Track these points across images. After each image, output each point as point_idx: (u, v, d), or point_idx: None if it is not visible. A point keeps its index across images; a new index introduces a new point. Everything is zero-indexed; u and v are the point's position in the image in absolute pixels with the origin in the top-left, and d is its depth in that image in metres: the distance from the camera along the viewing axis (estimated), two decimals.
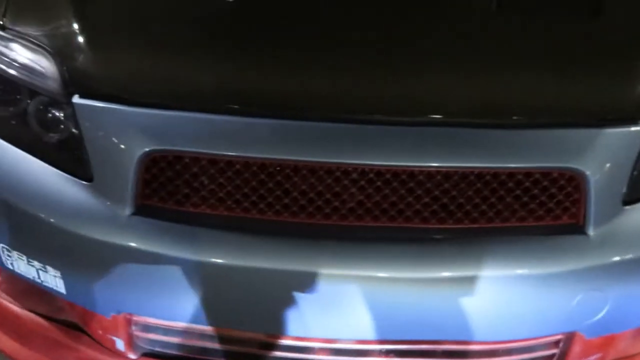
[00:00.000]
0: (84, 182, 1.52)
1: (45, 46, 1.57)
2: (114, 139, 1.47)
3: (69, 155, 1.54)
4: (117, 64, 1.52)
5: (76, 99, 1.50)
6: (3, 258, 1.64)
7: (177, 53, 1.52)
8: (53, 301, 1.69)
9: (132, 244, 1.48)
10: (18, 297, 1.76)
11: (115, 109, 1.47)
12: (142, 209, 1.49)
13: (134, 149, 1.46)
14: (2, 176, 1.59)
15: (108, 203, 1.50)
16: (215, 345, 1.59)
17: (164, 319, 1.57)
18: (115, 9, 1.63)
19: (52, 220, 1.53)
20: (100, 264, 1.52)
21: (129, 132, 1.46)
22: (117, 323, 1.58)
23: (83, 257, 1.53)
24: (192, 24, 1.58)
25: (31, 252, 1.59)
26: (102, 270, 1.52)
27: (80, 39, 1.55)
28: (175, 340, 1.63)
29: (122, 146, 1.47)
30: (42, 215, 1.54)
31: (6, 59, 1.59)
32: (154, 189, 1.49)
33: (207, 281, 1.48)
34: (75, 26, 1.58)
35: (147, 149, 1.45)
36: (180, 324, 1.57)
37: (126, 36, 1.57)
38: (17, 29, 1.60)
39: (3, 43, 1.60)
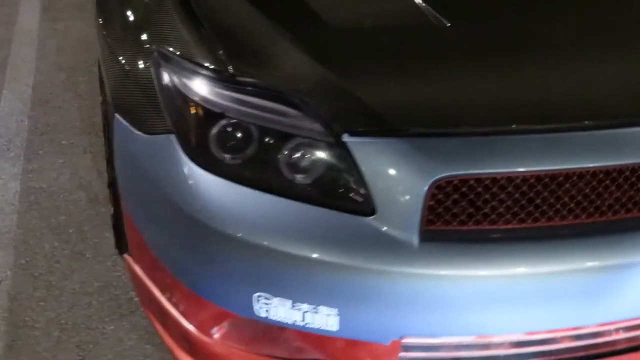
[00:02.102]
0: (363, 217, 1.51)
1: (293, 90, 1.54)
2: (398, 170, 1.48)
3: (343, 192, 1.52)
4: (385, 99, 1.53)
5: (347, 138, 1.49)
6: (256, 307, 1.59)
7: (438, 80, 1.56)
8: (293, 343, 1.67)
9: (423, 270, 1.51)
10: (250, 343, 1.71)
11: (396, 141, 1.48)
12: (427, 235, 1.52)
13: (423, 178, 1.47)
14: (259, 224, 1.55)
15: (394, 233, 1.50)
16: (491, 352, 1.66)
17: (438, 336, 1.61)
18: (340, 43, 1.65)
19: (330, 259, 1.51)
20: (385, 293, 1.53)
21: (415, 162, 1.47)
22: (395, 348, 1.60)
23: (367, 290, 1.53)
24: (423, 51, 1.63)
25: (301, 295, 1.56)
26: (386, 299, 1.53)
27: (332, 79, 1.56)
28: (438, 355, 1.67)
29: (410, 176, 1.48)
30: (318, 257, 1.51)
31: (249, 109, 1.55)
32: (438, 213, 1.52)
33: (496, 292, 1.54)
34: (318, 66, 1.58)
35: (437, 177, 1.47)
36: (454, 339, 1.62)
37: (377, 70, 1.59)
38: (251, 76, 1.58)
39: (242, 93, 1.56)
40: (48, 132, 3.14)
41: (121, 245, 2.14)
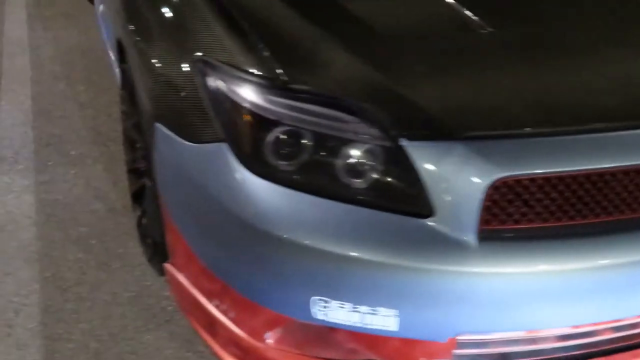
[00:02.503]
0: (421, 219, 1.55)
1: (349, 96, 1.57)
2: (456, 173, 1.52)
3: (402, 195, 1.55)
4: (440, 103, 1.57)
5: (404, 142, 1.53)
6: (313, 310, 1.62)
7: (490, 84, 1.61)
8: (346, 344, 1.70)
9: (482, 268, 1.55)
10: (303, 346, 1.73)
11: (453, 145, 1.52)
12: (484, 234, 1.56)
13: (481, 180, 1.51)
14: (317, 228, 1.57)
15: (452, 234, 1.54)
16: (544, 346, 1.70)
17: (492, 332, 1.65)
18: (389, 48, 1.69)
19: (390, 261, 1.54)
20: (444, 293, 1.56)
21: (473, 164, 1.51)
22: (450, 345, 1.63)
23: (426, 290, 1.56)
24: (472, 55, 1.67)
25: (360, 297, 1.58)
26: (445, 298, 1.57)
27: (386, 83, 1.59)
28: (489, 350, 1.71)
29: (468, 178, 1.52)
30: (377, 259, 1.54)
31: (305, 115, 1.58)
32: (493, 213, 1.56)
33: (549, 287, 1.59)
34: (370, 70, 1.61)
35: (495, 178, 1.51)
36: (505, 334, 1.66)
37: (430, 74, 1.62)
38: (304, 83, 1.60)
39: (297, 100, 1.58)
40: (54, 143, 3.11)
41: (156, 255, 2.15)
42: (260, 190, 1.61)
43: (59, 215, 2.64)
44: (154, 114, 1.85)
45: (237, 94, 1.63)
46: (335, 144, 1.57)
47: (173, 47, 1.86)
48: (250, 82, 1.62)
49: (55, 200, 2.72)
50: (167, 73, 1.83)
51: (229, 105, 1.64)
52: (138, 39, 2.01)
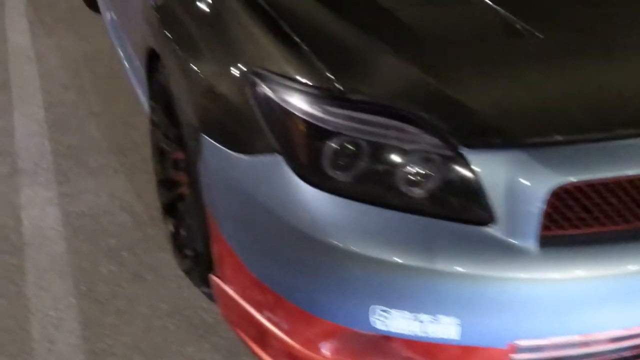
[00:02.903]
0: (482, 227, 1.56)
1: (407, 105, 1.58)
2: (517, 180, 1.53)
3: (463, 203, 1.56)
4: (499, 110, 1.58)
5: (465, 150, 1.53)
6: (372, 319, 1.62)
7: (547, 90, 1.62)
8: (403, 353, 1.71)
9: (543, 274, 1.56)
10: (359, 355, 1.74)
11: (514, 152, 1.53)
12: (544, 241, 1.57)
13: (542, 186, 1.52)
14: (376, 238, 1.58)
15: (513, 241, 1.55)
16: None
17: (549, 336, 1.67)
18: (441, 54, 1.70)
19: (450, 269, 1.55)
20: (505, 299, 1.57)
21: (534, 171, 1.53)
22: (509, 351, 1.65)
23: (487, 297, 1.57)
24: (525, 61, 1.69)
25: (420, 306, 1.59)
26: (506, 305, 1.58)
27: (443, 91, 1.60)
28: (544, 355, 1.73)
29: (528, 185, 1.53)
30: (437, 267, 1.55)
31: (363, 125, 1.58)
32: (553, 219, 1.57)
33: (606, 291, 1.61)
34: (426, 78, 1.61)
35: (556, 184, 1.52)
36: (562, 338, 1.68)
37: (485, 81, 1.63)
38: (361, 92, 1.61)
39: (355, 110, 1.59)
40: (73, 154, 3.09)
41: (196, 267, 2.14)
42: (317, 201, 1.61)
43: (86, 228, 2.62)
44: (200, 125, 1.85)
45: (292, 105, 1.63)
46: (394, 153, 1.58)
47: (219, 57, 1.85)
48: (307, 92, 1.63)
49: (80, 212, 2.70)
50: (213, 84, 1.82)
51: (284, 117, 1.64)
52: (178, 48, 1.99)
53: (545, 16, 1.86)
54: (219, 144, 1.78)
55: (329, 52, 1.71)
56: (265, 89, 1.68)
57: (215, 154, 1.81)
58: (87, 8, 4.73)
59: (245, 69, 1.74)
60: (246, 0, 1.92)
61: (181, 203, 2.41)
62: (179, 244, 2.31)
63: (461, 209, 1.56)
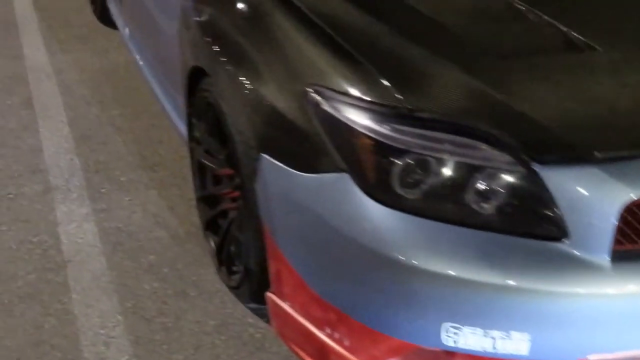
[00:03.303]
0: (555, 242, 1.57)
1: (477, 122, 1.59)
2: (590, 195, 1.54)
3: (535, 219, 1.58)
4: (569, 126, 1.59)
5: (537, 167, 1.55)
6: (443, 336, 1.63)
7: (615, 104, 1.64)
8: None
9: (616, 289, 1.58)
10: None
11: (586, 167, 1.55)
12: (617, 255, 1.58)
13: (615, 201, 1.54)
14: (447, 254, 1.59)
15: (586, 256, 1.56)
16: None
17: (618, 350, 1.68)
18: (502, 69, 1.73)
19: (523, 285, 1.56)
20: (577, 315, 1.59)
21: (607, 186, 1.54)
22: None
23: (559, 313, 1.58)
24: (590, 76, 1.71)
25: (492, 322, 1.60)
26: (577, 320, 1.59)
27: (512, 107, 1.62)
28: None
29: (601, 200, 1.54)
30: (510, 283, 1.56)
31: (432, 143, 1.60)
32: (626, 233, 1.59)
33: None
34: (492, 94, 1.63)
35: (630, 198, 1.54)
36: (629, 352, 1.69)
37: (552, 96, 1.65)
38: (429, 110, 1.63)
39: (424, 128, 1.60)
40: (102, 170, 3.09)
41: (246, 283, 2.14)
42: (386, 219, 1.62)
43: (125, 244, 2.62)
44: (260, 144, 1.86)
45: (360, 124, 1.64)
46: (465, 171, 1.59)
47: (276, 75, 1.85)
48: (375, 111, 1.64)
49: (117, 229, 2.70)
50: (272, 102, 1.83)
51: (351, 135, 1.66)
52: (232, 67, 1.99)
53: (601, 30, 1.88)
54: (280, 162, 1.79)
55: (391, 69, 1.72)
56: (330, 108, 1.69)
57: (275, 172, 1.82)
58: (100, 24, 4.75)
59: (306, 87, 1.75)
60: (300, 17, 1.94)
61: (222, 219, 2.42)
62: (224, 261, 2.31)
63: (533, 225, 1.58)
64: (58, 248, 2.58)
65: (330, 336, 1.81)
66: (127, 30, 3.85)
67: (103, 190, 2.95)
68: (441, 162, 1.60)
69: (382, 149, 1.62)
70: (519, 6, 1.99)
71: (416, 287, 1.61)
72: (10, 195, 2.89)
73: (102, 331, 2.20)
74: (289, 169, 1.77)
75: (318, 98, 1.71)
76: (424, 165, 1.61)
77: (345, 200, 1.66)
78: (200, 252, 2.57)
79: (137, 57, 3.55)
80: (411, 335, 1.68)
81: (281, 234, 1.85)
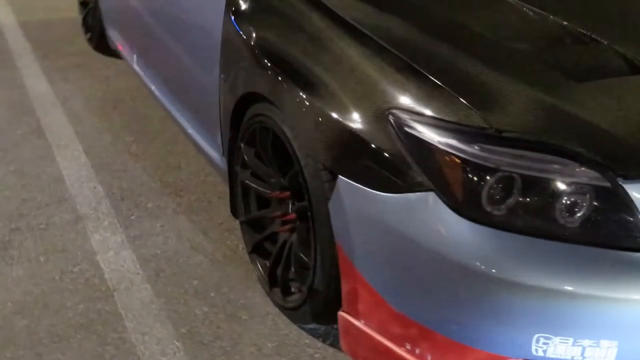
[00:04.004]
0: (638, 252, 1.65)
1: (563, 140, 1.67)
2: None
3: (621, 232, 1.65)
4: None
5: (622, 182, 1.63)
6: (534, 347, 1.69)
7: None
8: None
9: None
10: None
11: None
12: None
13: None
14: (539, 268, 1.65)
15: None
16: None
17: None
18: (574, 87, 1.82)
19: (613, 295, 1.63)
20: None
21: None
22: None
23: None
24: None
25: (583, 332, 1.66)
26: None
27: (592, 123, 1.71)
28: None
29: None
30: (600, 293, 1.63)
31: (520, 161, 1.66)
32: None
33: None
34: (576, 111, 1.71)
35: None
36: None
37: (629, 111, 1.73)
38: (513, 129, 1.69)
39: (511, 147, 1.67)
40: (128, 197, 3.08)
41: (310, 303, 2.16)
42: (476, 235, 1.68)
43: (166, 270, 2.62)
44: (335, 166, 1.89)
45: (447, 144, 1.70)
46: (551, 186, 1.66)
47: (352, 98, 1.88)
48: (463, 132, 1.69)
49: (154, 255, 2.70)
50: (349, 126, 1.86)
51: (438, 155, 1.71)
52: (300, 92, 2.01)
53: None
54: (359, 183, 1.83)
55: (469, 91, 1.78)
56: (414, 130, 1.74)
57: (353, 193, 1.85)
58: (95, 52, 4.75)
59: (387, 110, 1.79)
60: (369, 42, 1.98)
61: (269, 242, 2.45)
62: (278, 283, 2.33)
63: (619, 237, 1.65)
64: (101, 277, 2.57)
65: (410, 352, 1.85)
66: (135, 58, 3.85)
67: (133, 217, 2.94)
68: (528, 179, 1.66)
69: (471, 168, 1.68)
70: (576, 30, 2.08)
71: (508, 300, 1.66)
72: (42, 226, 2.86)
73: (163, 358, 2.20)
74: (369, 189, 1.81)
75: (401, 120, 1.76)
76: (512, 183, 1.67)
77: (432, 218, 1.71)
78: (242, 275, 2.58)
79: (150, 84, 3.56)
80: (500, 347, 1.72)
81: (359, 254, 1.88)
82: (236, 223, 2.85)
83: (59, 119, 3.81)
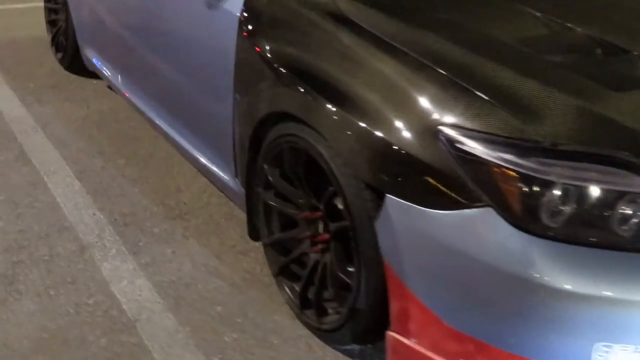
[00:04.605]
0: None
1: (615, 150, 1.69)
2: None
3: None
4: None
5: None
6: (594, 355, 1.70)
7: None
8: None
9: None
10: None
11: None
12: None
13: None
14: (598, 277, 1.67)
15: None
16: None
17: None
18: (617, 97, 1.85)
19: None
20: None
21: None
22: None
23: None
24: None
25: None
26: None
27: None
28: None
29: None
30: None
31: (576, 172, 1.68)
32: None
33: None
34: (624, 121, 1.73)
35: None
36: None
37: None
38: (567, 144, 1.71)
39: (567, 159, 1.68)
40: (132, 223, 3.00)
41: (352, 323, 2.14)
42: (535, 247, 1.69)
43: (186, 297, 2.55)
44: (382, 185, 1.87)
45: (503, 159, 1.70)
46: (608, 197, 1.68)
47: (398, 116, 1.85)
48: (518, 146, 1.70)
49: (171, 282, 2.63)
50: (396, 144, 1.83)
51: (494, 171, 1.71)
52: (339, 111, 1.97)
53: None
54: (409, 202, 1.82)
55: (514, 103, 1.79)
56: (468, 146, 1.74)
57: (403, 212, 1.84)
58: (67, 73, 4.63)
59: (437, 127, 1.78)
60: (409, 59, 1.96)
61: (295, 264, 2.42)
62: (314, 304, 2.30)
63: None
64: (119, 308, 2.49)
65: None
66: (120, 77, 3.77)
67: (141, 244, 2.86)
68: (586, 191, 1.68)
69: (529, 182, 1.68)
70: (605, 41, 2.11)
71: (569, 310, 1.67)
72: (46, 257, 2.75)
73: None
74: (420, 207, 1.80)
75: (453, 137, 1.75)
76: (570, 194, 1.68)
77: (491, 232, 1.71)
78: (266, 298, 2.54)
79: (141, 105, 3.48)
80: (559, 357, 1.73)
81: (411, 272, 1.87)
82: (249, 245, 2.82)
83: (43, 144, 3.69)
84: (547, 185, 1.68)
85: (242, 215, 2.99)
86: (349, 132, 1.95)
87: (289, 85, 2.17)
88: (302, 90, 2.11)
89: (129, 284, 2.61)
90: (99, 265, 2.71)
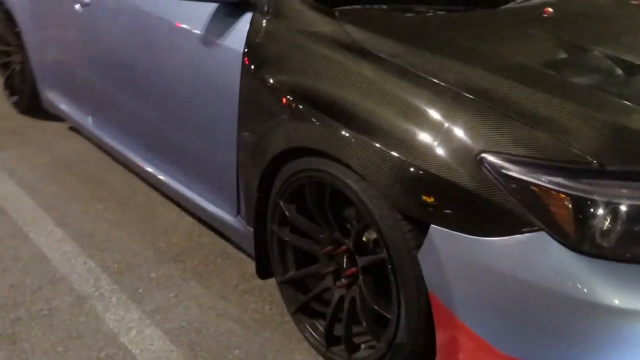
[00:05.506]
0: None
1: None
2: None
3: None
4: None
5: None
6: None
7: None
8: None
9: None
10: None
11: None
12: None
13: None
14: None
15: None
16: None
17: None
18: None
19: None
20: None
21: None
22: None
23: None
24: None
25: None
26: None
27: None
28: None
29: None
30: None
31: (626, 191, 1.71)
32: None
33: None
34: None
35: None
36: None
37: None
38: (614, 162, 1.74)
39: (615, 179, 1.72)
40: (127, 269, 2.89)
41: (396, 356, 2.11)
42: (592, 269, 1.70)
43: (200, 343, 2.47)
44: (425, 216, 1.86)
45: (553, 182, 1.71)
46: None
47: (434, 145, 1.83)
48: (566, 169, 1.71)
49: (181, 328, 2.54)
50: (437, 173, 1.81)
51: (545, 195, 1.71)
52: (376, 144, 1.92)
53: None
54: (455, 231, 1.81)
55: (554, 126, 1.80)
56: (512, 171, 1.74)
57: (449, 241, 1.82)
58: (22, 116, 4.48)
59: (481, 154, 1.77)
60: (439, 88, 1.95)
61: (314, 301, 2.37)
62: (344, 340, 2.25)
63: None
64: (133, 359, 2.38)
65: None
66: (90, 119, 3.65)
67: (140, 291, 2.76)
68: (634, 208, 1.70)
69: (580, 203, 1.70)
70: (623, 60, 2.16)
71: (630, 330, 1.69)
72: (44, 312, 2.62)
73: None
74: (468, 235, 1.79)
75: (497, 163, 1.75)
76: (621, 214, 1.70)
77: (545, 256, 1.71)
78: (282, 337, 2.48)
79: (118, 146, 3.39)
80: None
81: (461, 302, 1.85)
82: (251, 284, 2.76)
83: (14, 192, 3.54)
84: (598, 205, 1.69)
85: (237, 254, 2.94)
86: (384, 164, 1.92)
87: (308, 120, 2.12)
88: (325, 124, 2.06)
89: (138, 333, 2.50)
90: (103, 317, 2.59)
